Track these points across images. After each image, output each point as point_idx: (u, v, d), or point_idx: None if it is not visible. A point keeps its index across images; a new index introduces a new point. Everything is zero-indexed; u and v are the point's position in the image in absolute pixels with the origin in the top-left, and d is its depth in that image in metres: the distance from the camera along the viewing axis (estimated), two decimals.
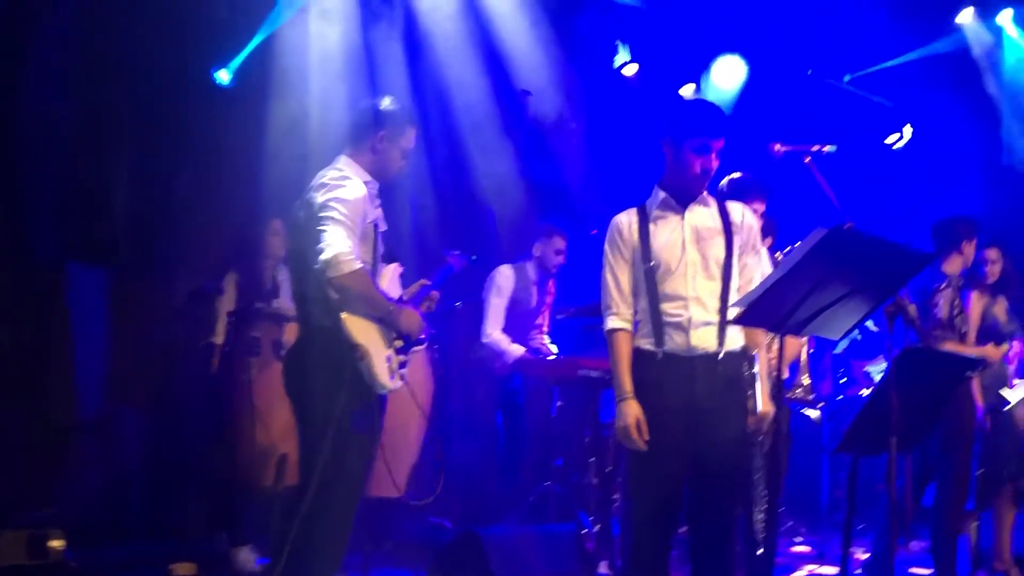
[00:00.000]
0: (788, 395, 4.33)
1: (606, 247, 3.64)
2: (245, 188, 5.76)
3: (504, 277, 6.08)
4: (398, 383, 3.62)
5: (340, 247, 3.40)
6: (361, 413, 3.50)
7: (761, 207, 4.31)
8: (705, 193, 3.61)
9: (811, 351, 5.12)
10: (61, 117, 5.49)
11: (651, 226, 3.56)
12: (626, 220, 3.61)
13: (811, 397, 4.84)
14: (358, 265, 3.43)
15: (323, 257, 3.39)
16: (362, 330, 3.50)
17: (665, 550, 3.55)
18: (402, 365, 3.65)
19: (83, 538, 4.67)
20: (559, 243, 6.17)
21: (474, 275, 5.99)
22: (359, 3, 6.21)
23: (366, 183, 3.61)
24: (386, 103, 3.73)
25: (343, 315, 3.46)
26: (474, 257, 5.85)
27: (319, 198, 3.50)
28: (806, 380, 4.62)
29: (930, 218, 5.41)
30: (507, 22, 6.70)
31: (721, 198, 3.75)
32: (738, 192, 4.28)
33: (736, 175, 4.47)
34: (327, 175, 3.59)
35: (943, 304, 5.02)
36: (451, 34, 6.58)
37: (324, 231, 3.43)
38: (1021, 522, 5.51)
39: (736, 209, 3.64)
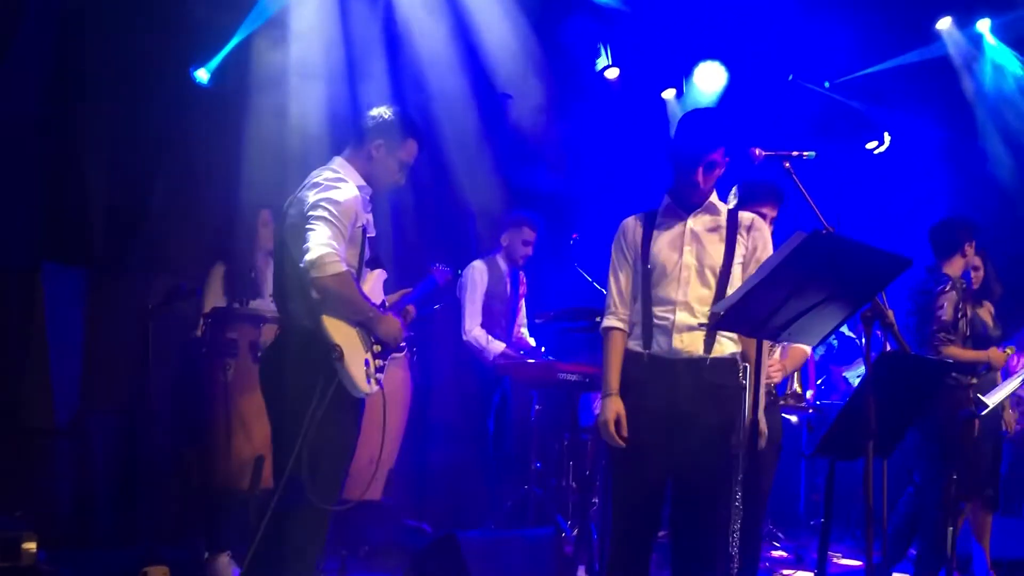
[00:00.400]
0: (780, 402, 4.29)
1: (612, 249, 3.69)
2: (223, 188, 5.72)
3: (477, 272, 6.08)
4: (374, 388, 3.60)
5: (326, 248, 3.37)
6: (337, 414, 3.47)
7: (772, 212, 4.21)
8: (714, 200, 3.61)
9: None
10: (38, 114, 5.44)
11: (655, 231, 3.60)
12: (632, 224, 3.67)
13: (802, 404, 4.83)
14: (342, 267, 3.41)
15: (308, 256, 3.37)
16: (342, 332, 3.48)
17: (645, 553, 3.54)
18: (379, 370, 3.63)
19: (56, 541, 4.62)
20: (528, 234, 6.14)
21: (457, 281, 6.00)
22: (340, 4, 6.18)
23: (359, 187, 3.59)
24: (388, 112, 3.72)
25: (323, 316, 3.44)
26: (459, 272, 5.88)
27: (311, 197, 3.48)
28: (797, 387, 4.61)
29: (910, 224, 5.40)
30: (489, 25, 6.69)
31: (736, 204, 3.73)
32: (749, 196, 4.21)
33: (744, 182, 4.35)
34: (322, 175, 3.57)
35: (947, 307, 5.00)
36: (433, 36, 6.56)
37: (312, 230, 3.41)
38: (996, 527, 5.53)
39: (746, 218, 3.63)
